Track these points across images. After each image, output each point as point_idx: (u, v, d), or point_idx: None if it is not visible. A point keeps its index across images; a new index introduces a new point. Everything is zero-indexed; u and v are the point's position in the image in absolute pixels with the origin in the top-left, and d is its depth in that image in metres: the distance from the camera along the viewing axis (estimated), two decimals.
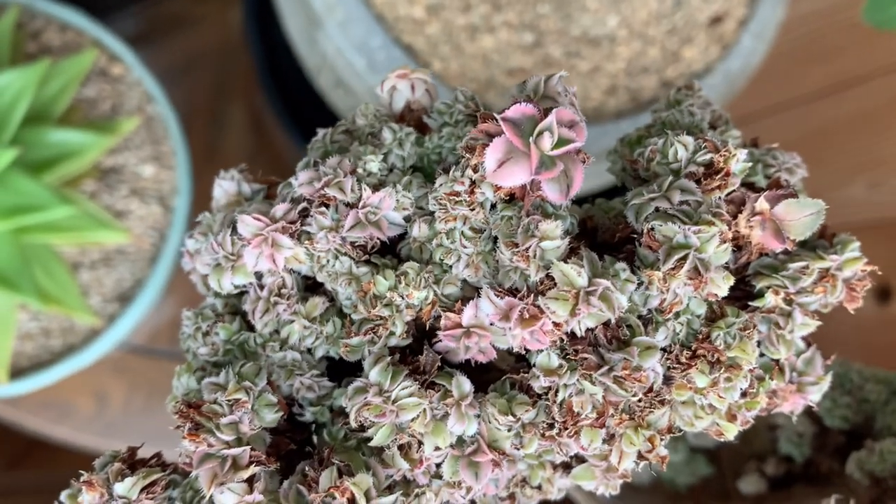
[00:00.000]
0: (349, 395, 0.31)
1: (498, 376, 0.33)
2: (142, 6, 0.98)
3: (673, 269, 0.29)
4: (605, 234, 0.34)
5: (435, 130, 0.35)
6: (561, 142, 0.28)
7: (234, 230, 0.33)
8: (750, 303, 0.33)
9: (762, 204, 0.31)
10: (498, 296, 0.30)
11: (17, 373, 0.77)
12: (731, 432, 0.33)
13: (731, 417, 0.32)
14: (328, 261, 0.32)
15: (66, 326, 0.79)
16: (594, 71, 0.81)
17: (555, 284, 0.29)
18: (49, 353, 0.79)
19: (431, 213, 0.33)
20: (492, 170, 0.29)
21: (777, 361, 0.34)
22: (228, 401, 0.31)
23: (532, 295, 0.29)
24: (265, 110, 1.02)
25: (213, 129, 1.03)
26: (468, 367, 0.32)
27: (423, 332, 0.33)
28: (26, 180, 0.66)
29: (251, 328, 0.35)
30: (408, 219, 0.33)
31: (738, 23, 0.86)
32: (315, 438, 0.35)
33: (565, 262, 0.29)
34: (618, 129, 0.80)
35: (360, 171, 0.33)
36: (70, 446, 1.04)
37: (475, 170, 0.30)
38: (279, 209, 0.32)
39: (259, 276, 0.34)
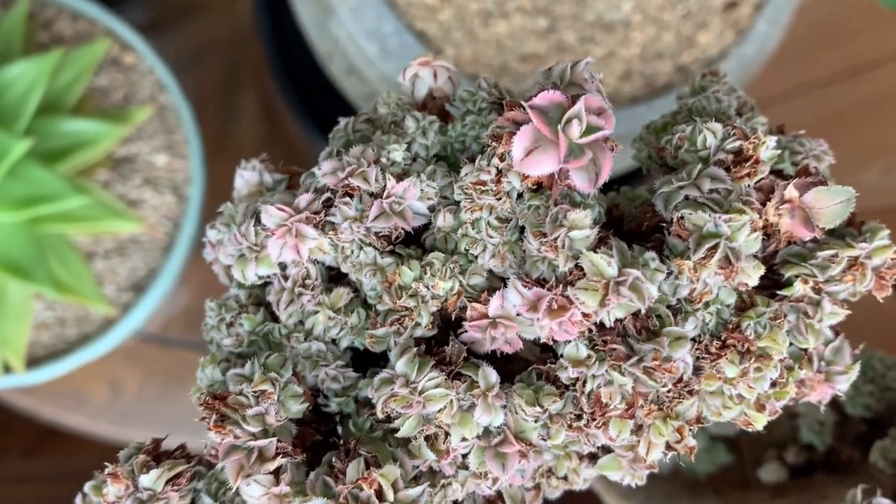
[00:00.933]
0: (375, 386, 0.31)
1: (522, 367, 0.33)
2: None
3: (703, 258, 0.29)
4: (631, 224, 0.33)
5: (458, 119, 0.34)
6: (589, 129, 0.28)
7: (258, 220, 0.33)
8: (778, 292, 0.33)
9: (791, 192, 0.31)
10: (525, 286, 0.29)
11: (32, 362, 0.77)
12: (759, 422, 0.32)
13: (760, 407, 0.32)
14: (352, 251, 0.32)
15: (80, 316, 0.79)
16: (608, 56, 0.80)
17: (584, 274, 0.29)
18: (64, 343, 0.80)
19: (456, 203, 0.32)
20: (519, 158, 0.28)
21: (805, 351, 0.33)
22: (254, 392, 0.31)
23: (561, 285, 0.29)
24: (276, 98, 1.02)
25: (224, 118, 1.02)
26: (492, 358, 0.32)
27: (447, 323, 0.33)
28: (40, 170, 0.65)
29: (275, 319, 0.35)
30: (432, 209, 0.33)
31: (754, 7, 0.85)
32: (340, 429, 0.35)
33: (594, 251, 0.28)
34: (633, 114, 0.79)
35: (383, 160, 0.32)
36: (84, 434, 1.05)
37: (502, 158, 0.30)
38: (303, 199, 0.32)
39: (283, 266, 0.34)
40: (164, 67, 0.80)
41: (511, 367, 0.32)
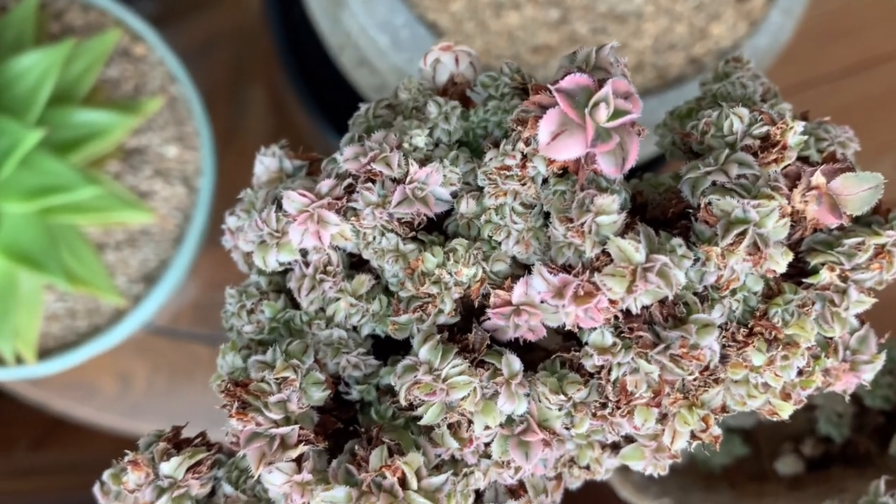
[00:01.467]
0: (399, 373, 0.31)
1: (542, 355, 0.32)
2: None
3: (731, 244, 0.29)
4: (655, 211, 0.33)
5: (479, 104, 0.34)
6: (617, 113, 0.28)
7: (279, 207, 0.33)
8: (803, 280, 0.32)
9: (818, 178, 0.31)
10: (551, 272, 0.29)
11: (43, 353, 0.77)
12: (785, 411, 0.32)
13: (785, 396, 0.32)
14: (374, 237, 0.32)
15: (91, 307, 0.79)
16: (620, 48, 0.80)
17: (611, 261, 0.28)
18: (75, 334, 0.79)
19: (479, 189, 0.32)
20: (545, 142, 0.28)
21: (830, 339, 0.33)
22: (276, 379, 0.30)
23: (587, 271, 0.29)
24: (286, 91, 1.01)
25: (234, 110, 1.02)
26: (513, 347, 0.32)
27: (469, 310, 0.33)
28: (52, 161, 0.65)
29: (296, 306, 0.35)
30: (455, 194, 0.32)
31: None
32: (360, 417, 0.35)
33: (621, 237, 0.28)
34: (645, 106, 0.78)
35: (405, 145, 0.32)
36: (93, 426, 1.05)
37: (527, 143, 0.30)
38: (324, 185, 0.32)
39: (304, 253, 0.34)
40: (174, 58, 0.80)
41: (531, 357, 0.32)
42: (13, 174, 0.64)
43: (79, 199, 0.67)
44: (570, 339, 0.33)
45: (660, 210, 0.33)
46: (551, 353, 0.32)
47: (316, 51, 0.88)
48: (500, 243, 0.32)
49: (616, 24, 0.80)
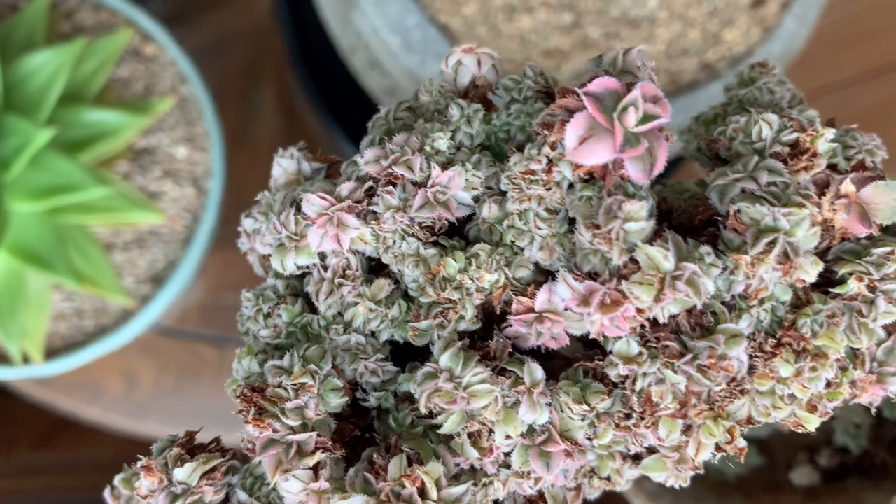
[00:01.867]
0: (419, 380, 0.30)
1: (562, 364, 0.32)
2: None
3: (761, 253, 0.28)
4: (681, 217, 0.32)
5: (502, 107, 0.33)
6: (646, 118, 0.27)
7: (298, 209, 0.32)
8: (830, 290, 0.32)
9: (848, 186, 0.30)
10: (576, 279, 0.28)
11: (51, 353, 0.77)
12: (811, 424, 0.31)
13: (812, 408, 0.31)
14: (395, 241, 0.31)
15: (98, 307, 0.79)
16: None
17: (639, 268, 0.28)
18: (82, 334, 0.79)
19: (502, 193, 0.32)
20: (573, 147, 0.27)
21: (857, 351, 0.33)
22: (294, 385, 0.30)
23: (614, 279, 0.28)
24: (296, 92, 1.01)
25: (243, 111, 1.02)
26: (533, 354, 0.31)
27: (490, 317, 0.32)
28: (62, 160, 0.65)
29: (313, 310, 0.34)
30: (477, 199, 0.32)
31: (781, 5, 0.84)
32: (377, 424, 0.34)
33: (650, 244, 0.27)
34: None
35: (427, 148, 0.31)
36: (97, 426, 1.04)
37: (553, 147, 0.29)
38: (344, 188, 0.31)
39: (322, 256, 0.33)
40: (185, 59, 0.80)
41: (551, 364, 0.32)
42: (23, 173, 0.64)
43: (88, 199, 0.66)
44: (592, 347, 0.32)
45: (686, 217, 0.32)
46: (571, 361, 0.32)
47: (327, 52, 0.88)
48: (522, 249, 0.31)
49: (629, 28, 0.79)
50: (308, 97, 0.89)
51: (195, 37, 1.00)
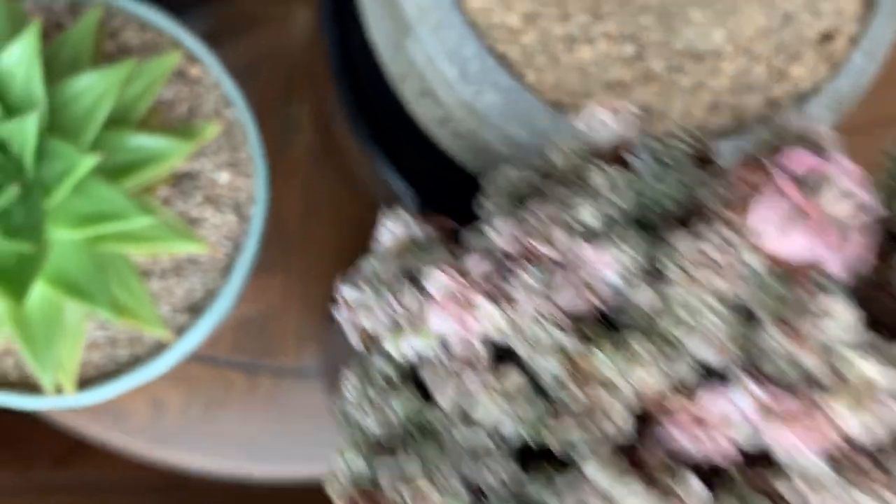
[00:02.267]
0: (560, 492, 0.26)
1: (707, 471, 0.28)
2: (216, 5, 0.94)
3: None
4: (872, 308, 0.28)
5: (646, 172, 0.30)
6: (853, 203, 0.23)
7: (414, 282, 0.29)
8: None
9: None
10: (758, 385, 0.25)
11: (83, 382, 0.74)
12: None
13: None
14: (530, 328, 0.28)
15: (133, 336, 0.76)
16: (697, 87, 0.76)
17: (842, 379, 0.24)
18: (115, 363, 0.77)
19: (658, 274, 0.28)
20: (764, 232, 0.24)
21: None
22: (412, 491, 0.26)
23: (809, 389, 0.24)
24: (334, 116, 0.98)
25: (278, 134, 0.99)
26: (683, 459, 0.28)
27: (640, 418, 0.29)
28: (105, 187, 0.62)
29: (425, 396, 0.30)
30: (629, 281, 0.28)
31: (849, 40, 0.80)
32: None
33: (855, 350, 0.24)
34: (721, 150, 0.75)
35: (569, 220, 0.28)
36: (119, 450, 1.02)
37: (734, 229, 0.25)
38: (473, 264, 0.27)
39: (443, 340, 0.29)
40: (230, 81, 0.77)
41: (702, 472, 0.28)
42: (64, 200, 0.61)
43: (131, 228, 0.63)
44: (749, 458, 0.28)
45: (878, 309, 0.28)
46: (721, 469, 0.28)
47: (372, 78, 0.85)
48: (683, 342, 0.27)
49: (693, 62, 0.76)
50: (351, 123, 0.87)
51: (230, 58, 0.97)
